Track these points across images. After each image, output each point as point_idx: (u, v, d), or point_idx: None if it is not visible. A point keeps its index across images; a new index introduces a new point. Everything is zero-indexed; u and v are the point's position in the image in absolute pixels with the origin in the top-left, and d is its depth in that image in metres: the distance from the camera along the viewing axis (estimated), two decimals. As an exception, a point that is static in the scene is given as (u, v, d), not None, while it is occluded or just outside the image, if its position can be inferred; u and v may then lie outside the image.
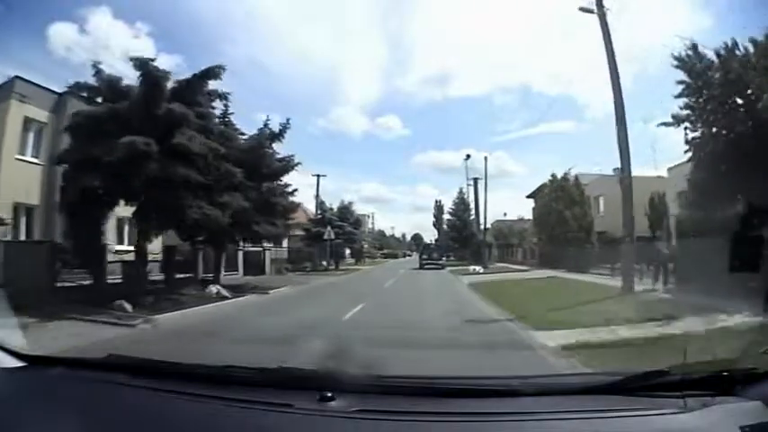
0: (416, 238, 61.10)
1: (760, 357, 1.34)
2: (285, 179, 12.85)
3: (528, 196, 35.26)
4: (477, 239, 28.95)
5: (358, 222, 28.23)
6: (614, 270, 11.97)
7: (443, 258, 28.03)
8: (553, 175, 21.96)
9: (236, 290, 10.93)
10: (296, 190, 13.21)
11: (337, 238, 23.92)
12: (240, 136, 11.25)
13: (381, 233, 67.84)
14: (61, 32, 30.96)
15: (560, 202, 20.83)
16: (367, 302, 9.20)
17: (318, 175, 27.02)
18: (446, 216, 39.21)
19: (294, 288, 12.76)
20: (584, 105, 53.93)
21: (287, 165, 12.13)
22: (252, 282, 13.46)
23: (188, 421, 1.14)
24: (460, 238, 34.38)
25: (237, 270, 16.08)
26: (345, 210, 27.57)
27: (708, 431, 1.01)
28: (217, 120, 10.11)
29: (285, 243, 22.39)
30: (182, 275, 11.64)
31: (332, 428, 1.06)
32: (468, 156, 29.94)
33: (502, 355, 4.77)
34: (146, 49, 38.10)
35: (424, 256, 27.77)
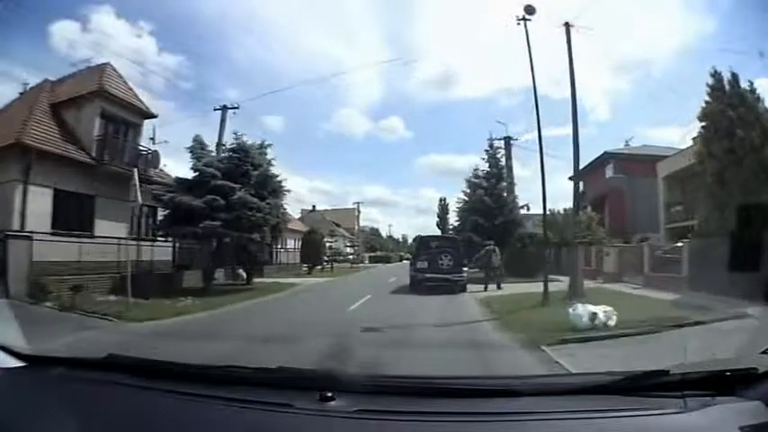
0: (418, 239, 48.18)
1: (760, 357, 1.38)
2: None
3: (571, 178, 27.26)
4: (521, 231, 14.01)
5: (268, 184, 15.00)
6: None
7: (464, 269, 15.18)
8: (716, 74, 11.85)
9: None
10: None
11: (214, 216, 12.69)
12: None
13: (375, 231, 57.06)
14: (64, 31, 31.05)
15: (749, 128, 10.42)
16: None
17: (224, 107, 13.27)
18: (461, 195, 25.47)
19: None
20: (587, 110, 57.87)
21: None
22: None
23: (188, 421, 1.17)
24: (491, 228, 20.69)
25: None
26: (240, 157, 14.55)
27: (708, 431, 1.04)
28: None
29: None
30: None
31: (332, 428, 1.10)
32: (531, 10, 12.91)
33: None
34: (148, 48, 39.73)
35: (422, 264, 15.38)
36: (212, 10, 48.39)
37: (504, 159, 22.86)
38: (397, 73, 70.96)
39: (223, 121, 18.27)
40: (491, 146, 23.27)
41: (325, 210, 51.93)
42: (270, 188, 14.87)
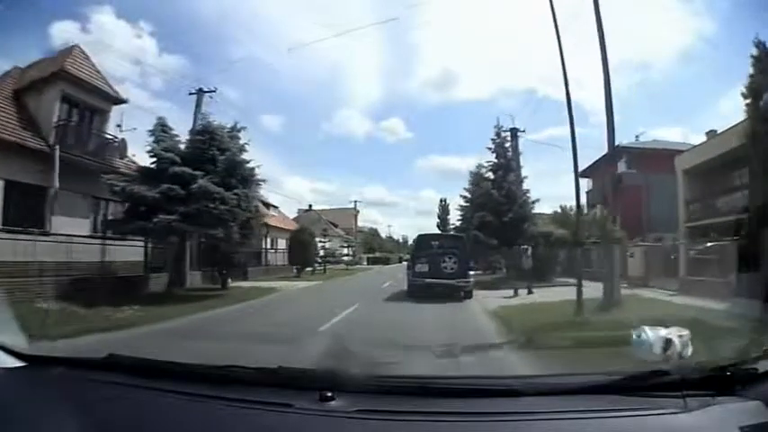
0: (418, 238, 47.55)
1: (760, 357, 1.34)
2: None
3: (580, 175, 23.50)
4: (533, 229, 12.53)
5: (236, 171, 12.67)
6: None
7: (470, 273, 13.35)
8: (760, 44, 10.78)
9: None
10: None
11: (171, 208, 10.94)
12: None
13: (374, 232, 56.45)
14: (63, 31, 29.77)
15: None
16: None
17: (200, 90, 10.70)
18: (464, 192, 24.34)
19: None
20: (589, 111, 60.65)
21: None
22: None
23: (188, 421, 1.18)
24: (500, 225, 18.54)
25: None
26: (205, 140, 12.67)
27: (708, 431, 1.05)
28: None
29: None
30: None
31: (332, 428, 1.12)
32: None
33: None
34: (148, 48, 42.68)
35: (422, 267, 13.32)
36: (213, 10, 50.45)
37: (511, 151, 21.36)
38: (398, 74, 71.93)
39: (198, 105, 16.34)
40: (498, 134, 20.99)
41: (323, 209, 51.31)
42: (239, 176, 12.83)
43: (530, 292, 12.97)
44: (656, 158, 22.13)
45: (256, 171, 13.64)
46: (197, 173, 11.88)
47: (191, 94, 17.51)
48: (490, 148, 21.15)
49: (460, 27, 61.35)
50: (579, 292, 8.61)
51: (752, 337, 3.92)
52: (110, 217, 13.89)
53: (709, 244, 13.30)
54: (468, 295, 12.86)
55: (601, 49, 11.18)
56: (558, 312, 8.37)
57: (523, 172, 21.39)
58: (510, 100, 65.35)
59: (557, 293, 11.55)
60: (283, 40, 61.66)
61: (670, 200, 20.86)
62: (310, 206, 50.99)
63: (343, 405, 1.13)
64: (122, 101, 15.19)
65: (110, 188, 12.04)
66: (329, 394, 1.15)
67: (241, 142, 13.66)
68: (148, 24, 61.88)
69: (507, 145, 21.26)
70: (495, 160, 20.78)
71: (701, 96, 46.66)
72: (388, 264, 50.28)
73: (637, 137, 26.96)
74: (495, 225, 18.71)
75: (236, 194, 12.43)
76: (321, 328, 7.87)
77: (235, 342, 6.06)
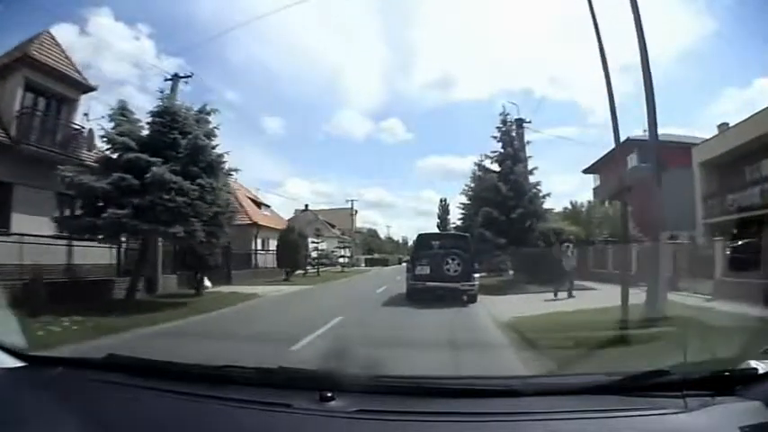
0: (419, 237, 47.04)
1: (760, 357, 1.34)
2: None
3: (586, 171, 27.19)
4: (544, 226, 11.13)
5: (200, 158, 10.70)
6: None
7: (475, 275, 12.04)
8: None
9: None
10: None
11: (124, 202, 9.45)
12: None
13: (373, 233, 55.71)
14: (62, 33, 27.00)
15: None
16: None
17: (176, 75, 10.19)
18: (465, 189, 24.19)
19: None
20: (588, 111, 59.09)
21: None
22: None
23: (187, 421, 1.19)
24: (507, 222, 16.94)
25: None
26: (165, 123, 10.68)
27: (708, 431, 1.06)
28: None
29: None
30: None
31: (332, 428, 1.14)
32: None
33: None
34: (147, 50, 40.17)
35: (422, 269, 12.15)
36: (212, 12, 51.65)
37: (518, 140, 19.99)
38: (397, 74, 74.93)
39: (173, 91, 14.47)
40: (504, 122, 19.38)
41: (320, 209, 50.42)
42: (202, 163, 10.99)
43: (556, 297, 11.49)
44: (669, 152, 21.92)
45: (225, 158, 11.92)
46: (154, 159, 10.37)
47: (166, 80, 16.16)
48: (495, 137, 19.68)
49: (459, 28, 64.10)
50: (625, 300, 6.66)
51: (751, 338, 3.73)
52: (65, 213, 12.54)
53: (744, 241, 12.09)
54: (473, 299, 11.99)
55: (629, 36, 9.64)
56: (588, 325, 6.66)
57: (530, 164, 20.20)
58: (509, 100, 65.14)
59: (579, 300, 10.51)
60: (283, 42, 63.32)
61: (684, 195, 20.35)
62: (306, 206, 51.16)
63: (343, 405, 1.16)
64: (91, 88, 14.62)
65: (62, 180, 10.36)
66: (329, 394, 1.18)
67: (210, 126, 11.98)
68: (147, 26, 63.53)
69: (513, 134, 19.81)
70: (502, 150, 19.21)
71: (701, 96, 46.29)
72: (386, 265, 50.20)
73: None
74: (502, 222, 17.32)
75: (198, 185, 10.75)
76: (293, 348, 6.21)
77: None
